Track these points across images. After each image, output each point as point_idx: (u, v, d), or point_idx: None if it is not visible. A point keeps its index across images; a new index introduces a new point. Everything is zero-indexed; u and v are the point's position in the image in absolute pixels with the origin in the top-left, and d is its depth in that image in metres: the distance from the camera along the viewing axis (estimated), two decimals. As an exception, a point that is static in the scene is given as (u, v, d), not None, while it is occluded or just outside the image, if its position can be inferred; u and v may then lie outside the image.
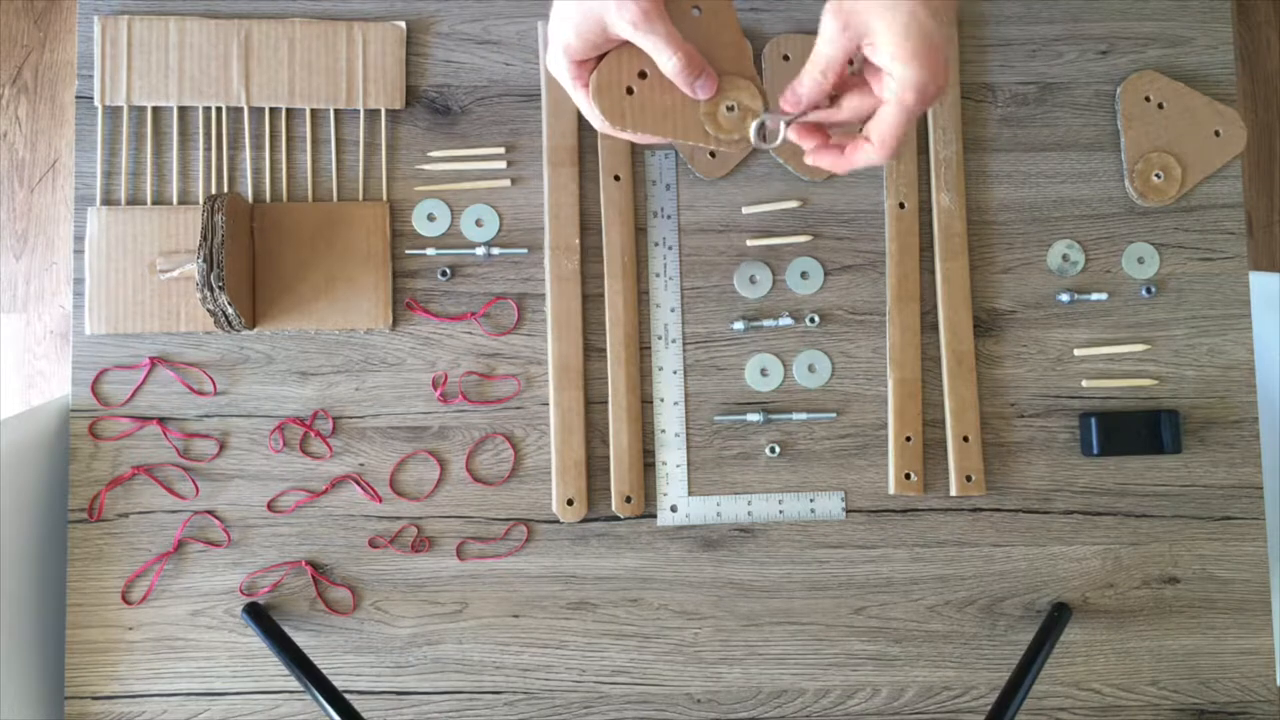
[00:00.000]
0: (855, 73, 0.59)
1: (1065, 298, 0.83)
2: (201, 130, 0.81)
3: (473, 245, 0.82)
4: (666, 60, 0.56)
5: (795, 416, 0.82)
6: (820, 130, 0.60)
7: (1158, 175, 0.83)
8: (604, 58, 0.59)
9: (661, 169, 0.83)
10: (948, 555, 0.82)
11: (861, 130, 0.58)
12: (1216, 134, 0.84)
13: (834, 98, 0.59)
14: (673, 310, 0.83)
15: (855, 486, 0.82)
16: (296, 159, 0.82)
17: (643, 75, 0.59)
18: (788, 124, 0.60)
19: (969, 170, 0.84)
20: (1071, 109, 0.85)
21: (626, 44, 0.58)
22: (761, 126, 0.60)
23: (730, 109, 0.60)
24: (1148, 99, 0.84)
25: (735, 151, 0.60)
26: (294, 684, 0.78)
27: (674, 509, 0.81)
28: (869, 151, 0.58)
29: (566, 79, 0.59)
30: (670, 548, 0.81)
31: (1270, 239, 1.60)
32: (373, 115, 0.82)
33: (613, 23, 0.55)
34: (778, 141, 0.60)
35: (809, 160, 0.61)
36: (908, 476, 0.82)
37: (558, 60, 0.58)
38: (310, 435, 0.80)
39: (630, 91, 0.59)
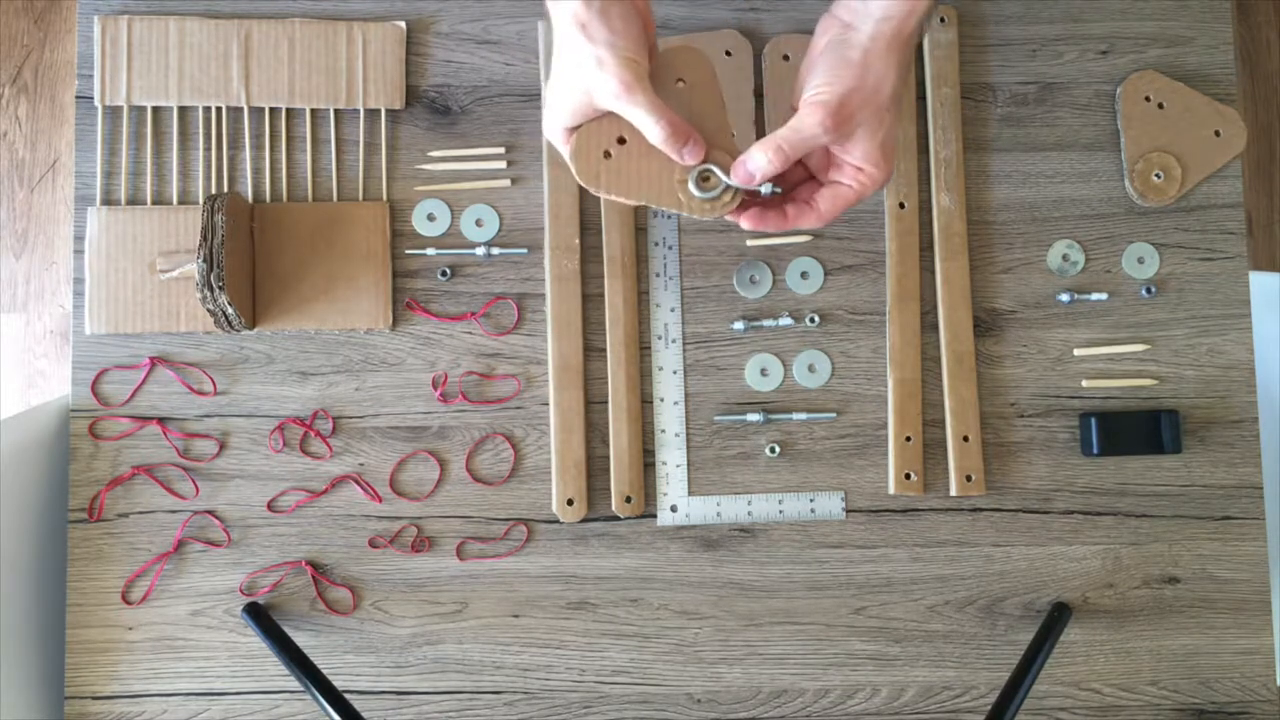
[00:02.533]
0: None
1: (1065, 298, 0.83)
2: (201, 130, 0.81)
3: (473, 245, 0.82)
4: (652, 128, 0.59)
5: (795, 416, 0.82)
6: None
7: (1158, 175, 0.83)
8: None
9: (661, 169, 0.83)
10: (948, 555, 0.82)
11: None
12: (1216, 134, 0.84)
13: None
14: (673, 310, 0.83)
15: (855, 486, 0.82)
16: (296, 159, 0.82)
17: (622, 141, 0.62)
18: (769, 192, 0.62)
19: (969, 170, 0.84)
20: (1071, 109, 0.85)
21: (609, 112, 0.60)
22: (735, 193, 0.62)
23: (705, 178, 0.62)
24: (1148, 99, 0.84)
25: (707, 218, 0.63)
26: (294, 684, 0.78)
27: (674, 509, 0.81)
28: (811, 220, 0.63)
29: (561, 146, 0.63)
30: (670, 548, 0.81)
31: (1270, 239, 1.60)
32: (373, 115, 0.82)
33: (598, 96, 0.58)
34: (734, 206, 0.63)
35: (745, 224, 0.63)
36: (908, 476, 0.82)
37: (552, 129, 0.62)
38: (310, 435, 0.80)
39: (608, 155, 0.62)
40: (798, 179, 0.64)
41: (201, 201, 0.81)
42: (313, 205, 0.81)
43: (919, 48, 0.85)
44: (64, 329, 1.55)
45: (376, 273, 0.81)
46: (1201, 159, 0.84)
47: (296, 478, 0.80)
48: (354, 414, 0.81)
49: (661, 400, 0.82)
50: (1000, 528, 0.82)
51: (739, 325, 0.82)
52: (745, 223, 0.63)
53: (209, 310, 0.74)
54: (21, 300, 1.56)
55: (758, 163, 0.60)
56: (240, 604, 0.79)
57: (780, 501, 0.82)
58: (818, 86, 0.59)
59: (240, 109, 0.81)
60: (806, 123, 0.59)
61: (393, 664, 0.80)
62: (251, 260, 0.79)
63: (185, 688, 0.79)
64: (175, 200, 0.81)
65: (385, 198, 0.82)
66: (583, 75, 0.57)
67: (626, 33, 0.57)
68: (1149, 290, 0.84)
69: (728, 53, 0.83)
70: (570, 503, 0.80)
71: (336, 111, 0.82)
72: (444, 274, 0.82)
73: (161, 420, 0.80)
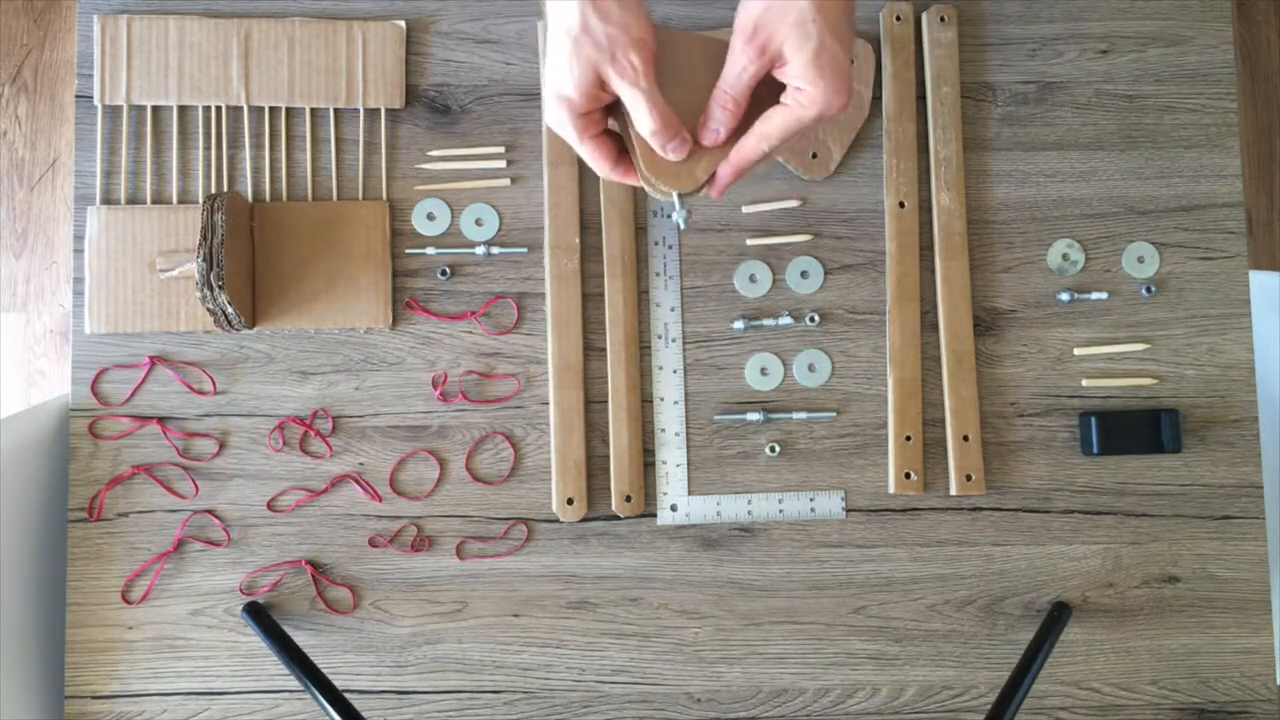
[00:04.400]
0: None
1: (1065, 297, 0.83)
2: (201, 129, 0.81)
3: (472, 244, 0.82)
4: (644, 116, 0.58)
5: (795, 416, 0.82)
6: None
7: (814, 155, 0.82)
8: (619, 131, 0.61)
9: (661, 168, 0.83)
10: (948, 554, 0.82)
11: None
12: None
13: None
14: (673, 309, 0.83)
15: (855, 486, 0.82)
16: (296, 158, 0.82)
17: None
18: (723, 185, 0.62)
19: (969, 170, 0.84)
20: (1071, 109, 0.85)
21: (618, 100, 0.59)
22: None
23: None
24: None
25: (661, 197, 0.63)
26: (294, 683, 0.78)
27: (674, 508, 0.81)
28: (752, 143, 0.60)
29: (571, 133, 0.61)
30: (670, 547, 0.81)
31: (1270, 238, 1.60)
32: (372, 114, 0.82)
33: (608, 75, 0.58)
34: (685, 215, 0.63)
35: (712, 193, 0.63)
36: (908, 476, 0.82)
37: (559, 116, 0.60)
38: (310, 435, 0.80)
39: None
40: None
41: (201, 201, 0.81)
42: (313, 205, 0.81)
43: (919, 46, 0.85)
44: (64, 328, 1.55)
45: (376, 272, 0.81)
46: (838, 129, 0.83)
47: (296, 477, 0.80)
48: (354, 413, 0.81)
49: (661, 400, 0.82)
50: (1000, 527, 0.82)
51: (739, 324, 0.82)
52: (709, 191, 0.63)
53: (209, 310, 0.74)
54: (21, 300, 1.56)
55: (717, 119, 0.60)
56: (240, 603, 0.79)
57: (780, 501, 0.82)
58: (739, 13, 0.58)
59: (240, 108, 0.81)
60: (732, 56, 0.58)
61: (393, 663, 0.80)
62: (251, 260, 0.79)
63: (185, 687, 0.79)
64: (175, 200, 0.81)
65: (385, 197, 0.82)
66: (594, 54, 0.57)
67: (639, 13, 0.57)
68: (1149, 290, 0.84)
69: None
70: (570, 502, 0.80)
71: (336, 111, 0.82)
72: (444, 273, 0.82)
73: (161, 420, 0.80)
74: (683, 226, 0.64)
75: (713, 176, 0.62)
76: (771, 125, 0.60)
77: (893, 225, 0.83)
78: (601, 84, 0.58)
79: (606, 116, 0.62)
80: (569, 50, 0.57)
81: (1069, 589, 0.82)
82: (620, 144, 0.63)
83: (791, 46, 0.57)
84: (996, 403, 0.83)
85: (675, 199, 0.62)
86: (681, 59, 0.61)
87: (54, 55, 1.59)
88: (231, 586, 0.79)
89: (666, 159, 0.61)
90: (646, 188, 0.62)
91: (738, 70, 0.59)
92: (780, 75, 0.59)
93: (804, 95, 0.58)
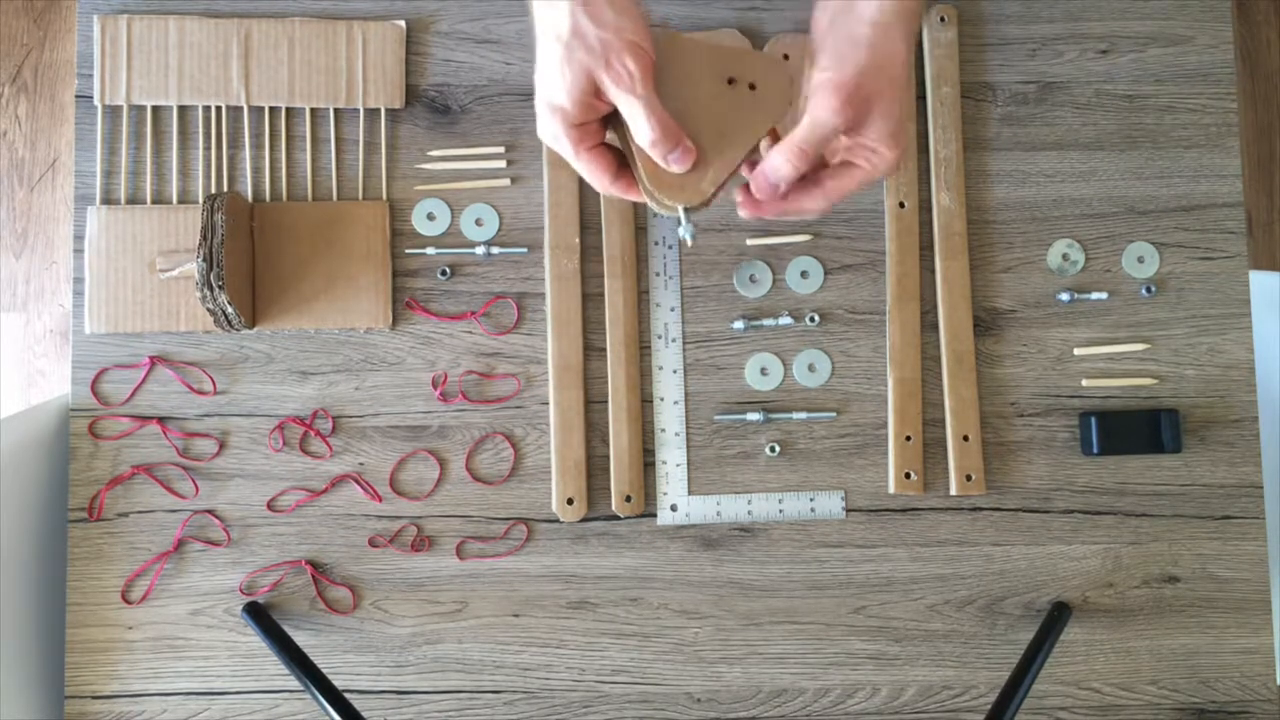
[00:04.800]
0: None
1: (1065, 297, 0.83)
2: (201, 129, 0.81)
3: (472, 244, 0.82)
4: (643, 126, 0.55)
5: (795, 416, 0.82)
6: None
7: None
8: (620, 146, 0.58)
9: (661, 168, 0.83)
10: (948, 554, 0.82)
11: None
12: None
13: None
14: (673, 309, 0.83)
15: (855, 486, 0.82)
16: (296, 158, 0.82)
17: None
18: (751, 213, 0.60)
19: (969, 170, 0.84)
20: (1071, 108, 0.85)
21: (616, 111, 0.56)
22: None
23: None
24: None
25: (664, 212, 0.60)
26: (294, 683, 0.78)
27: (674, 508, 0.81)
28: (817, 202, 0.59)
29: (566, 146, 0.57)
30: (670, 547, 0.81)
31: (1270, 238, 1.60)
32: (372, 114, 0.82)
33: (603, 82, 0.54)
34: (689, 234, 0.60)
35: (745, 213, 0.61)
36: (908, 476, 0.82)
37: (553, 128, 0.56)
38: (310, 434, 0.80)
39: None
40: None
41: (201, 201, 0.81)
42: (313, 205, 0.81)
43: (919, 46, 0.85)
44: (64, 328, 1.55)
45: (376, 272, 0.81)
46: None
47: (296, 477, 0.80)
48: (354, 413, 0.81)
49: (661, 400, 0.82)
50: (1000, 527, 0.82)
51: (739, 324, 0.82)
52: (743, 210, 0.60)
53: (209, 310, 0.74)
54: (21, 300, 1.56)
55: (780, 170, 0.57)
56: (240, 603, 0.79)
57: (780, 501, 0.82)
58: (826, 69, 0.55)
59: (240, 108, 0.81)
60: (821, 112, 0.55)
61: (393, 663, 0.80)
62: (251, 260, 0.79)
63: (185, 687, 0.79)
64: (175, 200, 0.81)
65: (385, 197, 0.82)
66: (587, 59, 0.53)
67: (635, 15, 0.54)
68: (1149, 289, 0.84)
69: (760, 49, 0.83)
70: (570, 502, 0.80)
71: (336, 111, 0.82)
72: (444, 273, 0.82)
73: (161, 420, 0.80)
74: (689, 242, 0.59)
75: (718, 189, 0.59)
76: (846, 186, 0.59)
77: (893, 225, 0.83)
78: (596, 92, 0.54)
79: (604, 128, 0.58)
80: (560, 57, 0.53)
81: (1069, 589, 0.82)
82: (620, 156, 0.59)
83: (882, 111, 0.56)
84: (996, 403, 0.83)
85: (680, 213, 0.58)
86: (683, 64, 0.57)
87: (54, 55, 1.59)
88: (231, 586, 0.79)
89: (670, 171, 0.57)
90: (649, 203, 0.59)
91: (825, 127, 0.56)
92: (855, 135, 0.57)
93: (879, 159, 0.57)
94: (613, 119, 0.58)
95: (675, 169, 0.57)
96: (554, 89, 0.55)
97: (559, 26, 0.53)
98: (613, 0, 0.53)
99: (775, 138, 0.61)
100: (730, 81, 0.58)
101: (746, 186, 0.60)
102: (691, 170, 0.57)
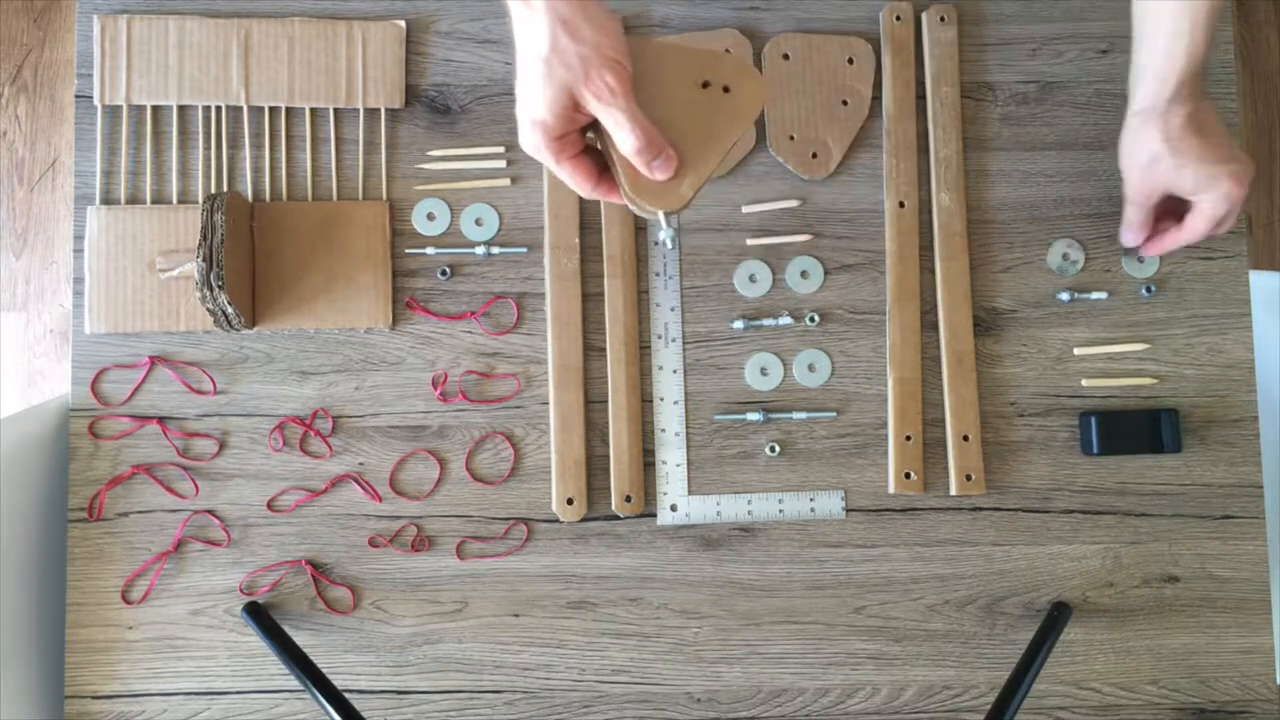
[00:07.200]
0: None
1: (1065, 297, 0.83)
2: (201, 129, 0.81)
3: (472, 244, 0.82)
4: (626, 137, 0.56)
5: (795, 416, 0.82)
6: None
7: (814, 155, 0.83)
8: (598, 155, 0.59)
9: (661, 168, 0.83)
10: (948, 554, 0.82)
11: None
12: (844, 104, 0.83)
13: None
14: (673, 309, 0.83)
15: (855, 486, 0.82)
16: (296, 158, 0.82)
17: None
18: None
19: (969, 169, 0.84)
20: (1071, 108, 0.85)
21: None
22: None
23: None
24: (786, 56, 0.83)
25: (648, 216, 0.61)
26: (294, 683, 0.78)
27: (674, 508, 0.81)
28: (1180, 237, 0.76)
29: (548, 157, 0.59)
30: (670, 547, 0.81)
31: (1270, 238, 1.60)
32: (372, 114, 0.82)
33: (582, 98, 0.56)
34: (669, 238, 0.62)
35: (1148, 253, 0.81)
36: (908, 475, 0.82)
37: (534, 140, 0.58)
38: (310, 434, 0.80)
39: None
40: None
41: (201, 201, 0.81)
42: (313, 204, 0.81)
43: (919, 46, 0.85)
44: (64, 328, 1.55)
45: (376, 272, 0.81)
46: (838, 129, 0.83)
47: (296, 477, 0.80)
48: (354, 413, 0.81)
49: (661, 399, 0.82)
50: (1000, 527, 0.82)
51: (739, 324, 0.82)
52: (1147, 251, 0.80)
53: (209, 310, 0.74)
54: (21, 300, 1.56)
55: (1133, 224, 0.79)
56: (240, 603, 0.79)
57: (780, 501, 0.82)
58: (1219, 165, 0.71)
59: (240, 108, 0.81)
60: (1236, 194, 0.71)
61: (393, 663, 0.80)
62: (251, 259, 0.79)
63: (185, 687, 0.79)
64: (175, 199, 0.81)
65: (385, 197, 0.82)
66: (567, 75, 0.55)
67: (612, 31, 0.55)
68: (1149, 289, 0.84)
69: (727, 51, 0.83)
70: (570, 502, 0.80)
71: (336, 111, 0.82)
72: (444, 273, 0.82)
73: (161, 419, 0.80)
74: (670, 246, 0.61)
75: (695, 192, 0.59)
76: (1198, 225, 0.74)
77: (893, 225, 0.83)
78: (576, 106, 0.56)
79: (583, 137, 0.60)
80: (540, 73, 0.55)
81: (1069, 589, 0.82)
82: (601, 161, 0.61)
83: (1186, 190, 0.73)
84: (996, 403, 0.83)
85: (661, 218, 0.59)
86: (658, 71, 0.58)
87: (54, 55, 1.59)
88: (231, 586, 0.79)
89: (652, 178, 0.58)
90: (631, 207, 0.60)
91: (1140, 200, 0.77)
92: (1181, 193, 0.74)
93: (1204, 206, 0.73)
94: (593, 126, 0.58)
95: (659, 176, 0.58)
96: (535, 104, 0.56)
97: (539, 44, 0.55)
98: (590, 17, 0.54)
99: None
100: (705, 85, 0.59)
101: (1153, 237, 0.79)
102: (671, 176, 0.58)
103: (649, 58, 0.59)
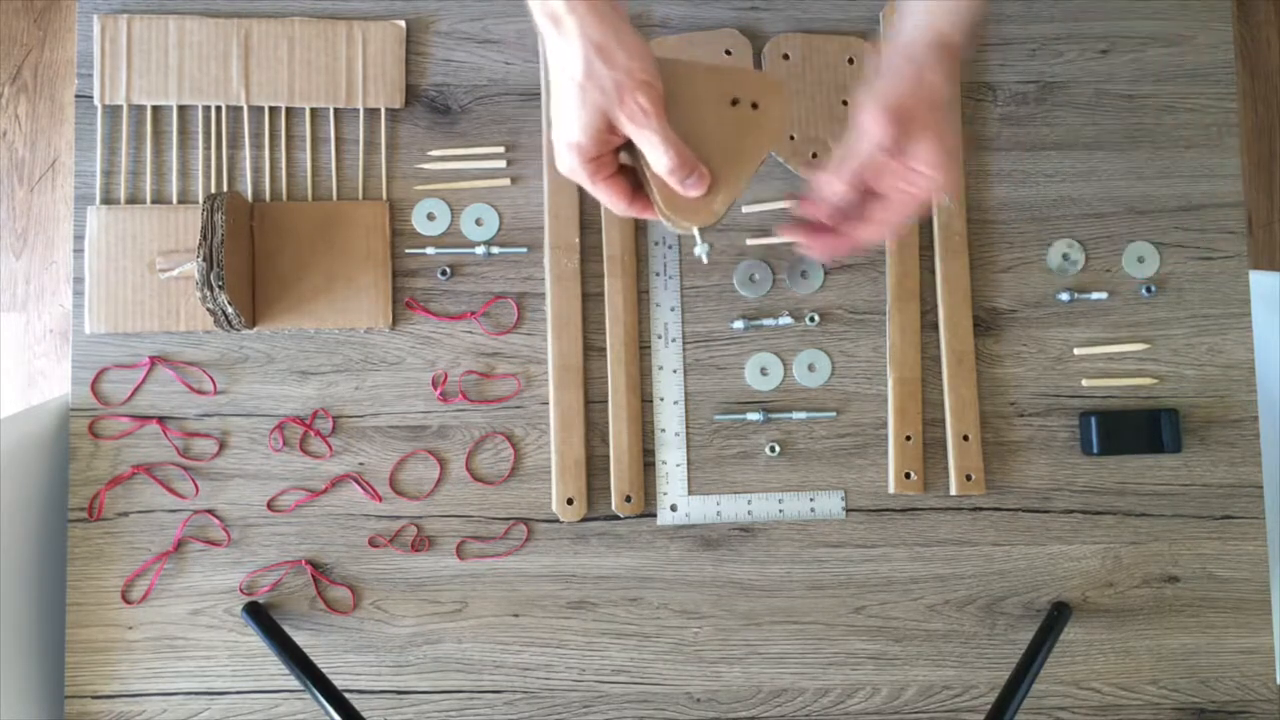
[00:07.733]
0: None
1: (1065, 297, 0.83)
2: (201, 129, 0.81)
3: (472, 244, 0.82)
4: (660, 157, 0.57)
5: (795, 415, 0.82)
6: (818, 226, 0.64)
7: (814, 154, 0.83)
8: (632, 173, 0.60)
9: (661, 168, 0.83)
10: (948, 554, 0.82)
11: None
12: (844, 103, 0.83)
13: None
14: (673, 309, 0.83)
15: (855, 485, 0.82)
16: (296, 158, 0.82)
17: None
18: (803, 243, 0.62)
19: (969, 170, 0.84)
20: (1071, 108, 0.85)
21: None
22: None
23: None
24: (786, 56, 0.83)
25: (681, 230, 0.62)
26: (294, 683, 0.78)
27: (674, 508, 0.81)
28: (875, 234, 0.62)
29: (584, 177, 0.60)
30: (670, 547, 0.81)
31: (1270, 238, 1.60)
32: (372, 114, 0.82)
33: (617, 119, 0.57)
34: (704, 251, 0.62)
35: (816, 254, 0.64)
36: (908, 475, 0.82)
37: (570, 162, 0.59)
38: (310, 434, 0.80)
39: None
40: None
41: (201, 201, 0.81)
42: (313, 204, 0.81)
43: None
44: (64, 328, 1.55)
45: (376, 272, 0.81)
46: (839, 128, 0.82)
47: (296, 477, 0.80)
48: (354, 413, 0.81)
49: (661, 399, 0.82)
50: (1000, 527, 0.82)
51: (739, 324, 0.82)
52: (811, 251, 0.63)
53: (209, 309, 0.74)
54: (21, 300, 1.56)
55: (832, 187, 0.60)
56: (240, 603, 0.79)
57: (780, 501, 0.82)
58: (871, 91, 0.59)
59: (240, 108, 0.81)
60: (870, 128, 0.58)
61: (393, 663, 0.80)
62: (251, 259, 0.79)
63: (185, 687, 0.79)
64: (175, 199, 0.81)
65: (385, 197, 0.82)
66: (601, 99, 0.56)
67: (643, 54, 0.56)
68: (1149, 289, 0.84)
69: (727, 51, 0.83)
70: (570, 502, 0.80)
71: (336, 111, 0.82)
72: (444, 273, 0.82)
73: (161, 419, 0.80)
74: (705, 260, 0.63)
75: (728, 208, 0.61)
76: (901, 212, 0.61)
77: (893, 225, 0.83)
78: (610, 128, 0.57)
79: (617, 157, 0.61)
80: (575, 97, 0.56)
81: (1069, 589, 0.82)
82: (634, 179, 0.62)
83: (925, 134, 0.58)
84: (996, 403, 0.83)
85: (695, 234, 0.61)
86: (687, 90, 0.60)
87: (54, 55, 1.59)
88: (231, 586, 0.79)
89: (686, 195, 0.59)
90: (666, 224, 0.61)
91: (868, 138, 0.59)
92: (901, 159, 0.60)
93: (925, 180, 0.60)
94: (628, 147, 0.60)
95: (692, 194, 0.59)
96: (570, 127, 0.57)
97: (573, 69, 0.56)
98: (622, 42, 0.56)
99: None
100: (734, 103, 0.60)
101: (807, 226, 0.63)
102: (704, 193, 0.60)
103: (679, 77, 0.60)
